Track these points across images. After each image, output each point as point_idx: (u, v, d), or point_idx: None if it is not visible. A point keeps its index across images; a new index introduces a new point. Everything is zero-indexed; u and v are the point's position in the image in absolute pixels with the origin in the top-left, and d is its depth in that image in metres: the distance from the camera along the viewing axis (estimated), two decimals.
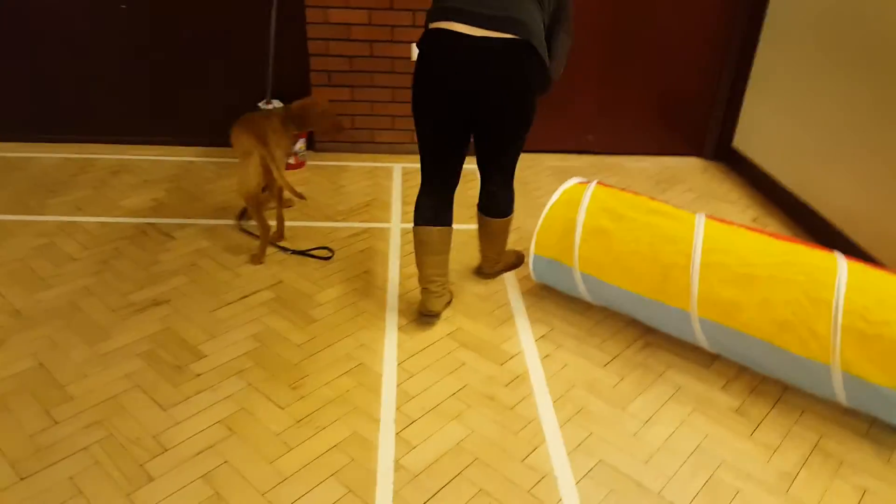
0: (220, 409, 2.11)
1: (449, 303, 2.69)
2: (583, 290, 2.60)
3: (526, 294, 2.82)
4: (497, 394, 2.27)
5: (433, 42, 2.18)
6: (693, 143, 4.49)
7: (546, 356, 2.46)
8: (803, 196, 3.50)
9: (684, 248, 2.26)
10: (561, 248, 2.54)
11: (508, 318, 2.66)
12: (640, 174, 4.20)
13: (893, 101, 2.83)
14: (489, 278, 2.91)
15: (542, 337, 2.56)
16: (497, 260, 2.83)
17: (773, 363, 2.16)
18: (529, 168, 4.21)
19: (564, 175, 4.09)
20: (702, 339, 2.33)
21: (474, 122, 2.33)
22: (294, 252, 3.01)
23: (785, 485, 1.97)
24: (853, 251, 3.06)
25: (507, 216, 2.63)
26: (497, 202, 2.58)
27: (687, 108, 4.37)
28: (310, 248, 3.07)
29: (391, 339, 2.49)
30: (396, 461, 1.96)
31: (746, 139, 4.15)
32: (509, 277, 2.95)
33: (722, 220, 2.35)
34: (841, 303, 1.98)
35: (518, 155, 2.49)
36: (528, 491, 1.90)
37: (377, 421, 2.11)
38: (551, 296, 2.81)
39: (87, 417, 2.06)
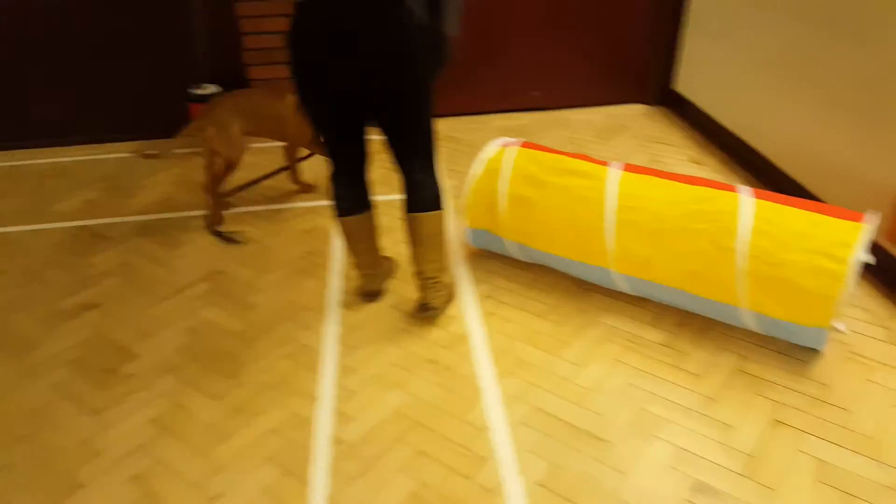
0: (152, 408, 2.10)
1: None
2: (517, 255, 2.66)
3: (469, 257, 2.81)
4: (438, 356, 2.27)
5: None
6: (637, 89, 4.47)
7: (489, 314, 2.46)
8: (739, 133, 3.51)
9: (599, 209, 2.31)
10: (489, 218, 2.58)
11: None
12: (585, 126, 4.19)
13: (826, 34, 2.81)
14: (434, 314, 2.42)
15: (486, 297, 2.56)
16: (438, 282, 2.35)
17: (691, 306, 2.29)
18: (478, 131, 4.18)
19: (512, 135, 4.07)
20: (626, 289, 2.44)
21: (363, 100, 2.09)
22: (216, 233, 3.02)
23: (709, 409, 2.02)
24: (789, 185, 3.07)
25: (433, 209, 2.23)
26: (420, 192, 2.21)
27: (628, 54, 4.34)
28: (228, 231, 3.04)
29: (333, 317, 2.47)
30: (335, 436, 1.96)
31: (687, 81, 4.14)
32: (451, 242, 2.93)
33: (636, 170, 2.35)
34: (744, 248, 2.04)
35: (430, 133, 2.17)
36: (465, 446, 1.91)
37: (315, 399, 2.10)
38: (493, 256, 2.80)
39: (13, 433, 2.03)
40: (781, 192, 3.00)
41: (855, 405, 2.00)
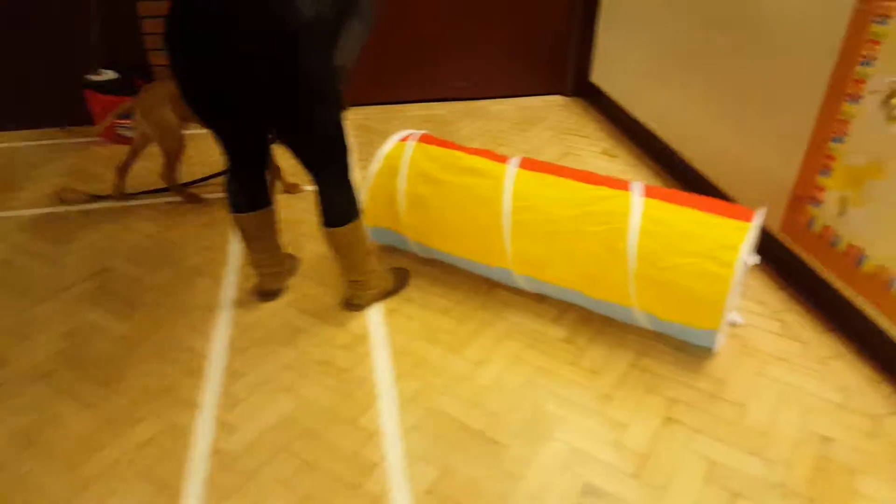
0: (19, 420, 1.94)
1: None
2: (421, 253, 2.59)
3: (377, 250, 2.72)
4: (335, 358, 2.18)
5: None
6: (555, 81, 4.46)
7: (392, 312, 2.38)
8: (650, 125, 3.52)
9: (495, 208, 2.24)
10: (390, 216, 2.49)
11: None
12: (503, 116, 4.15)
13: (722, 30, 2.83)
14: (359, 309, 2.39)
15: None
16: (364, 283, 2.32)
17: (589, 305, 2.27)
18: (393, 120, 4.08)
19: (429, 125, 3.99)
20: (528, 288, 2.40)
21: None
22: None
23: (605, 407, 2.00)
24: (695, 178, 3.09)
25: (347, 222, 2.12)
26: (331, 205, 2.10)
27: (547, 46, 4.32)
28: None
29: (225, 318, 2.35)
30: (215, 447, 1.85)
31: (602, 73, 4.14)
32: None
33: (533, 167, 2.29)
34: (633, 251, 2.01)
35: (333, 141, 1.99)
36: (355, 452, 1.83)
37: (197, 407, 1.98)
38: (400, 251, 2.71)
39: None
40: (689, 185, 3.02)
41: (748, 400, 2.01)
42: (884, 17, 1.92)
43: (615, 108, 3.92)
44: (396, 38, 4.11)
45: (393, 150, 2.48)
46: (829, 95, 2.14)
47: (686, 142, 3.15)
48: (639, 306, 2.10)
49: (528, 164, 2.31)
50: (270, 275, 2.38)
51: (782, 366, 2.13)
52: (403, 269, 2.55)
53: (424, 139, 2.50)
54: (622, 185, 2.16)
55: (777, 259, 2.54)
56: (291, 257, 2.56)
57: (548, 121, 4.08)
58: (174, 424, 1.93)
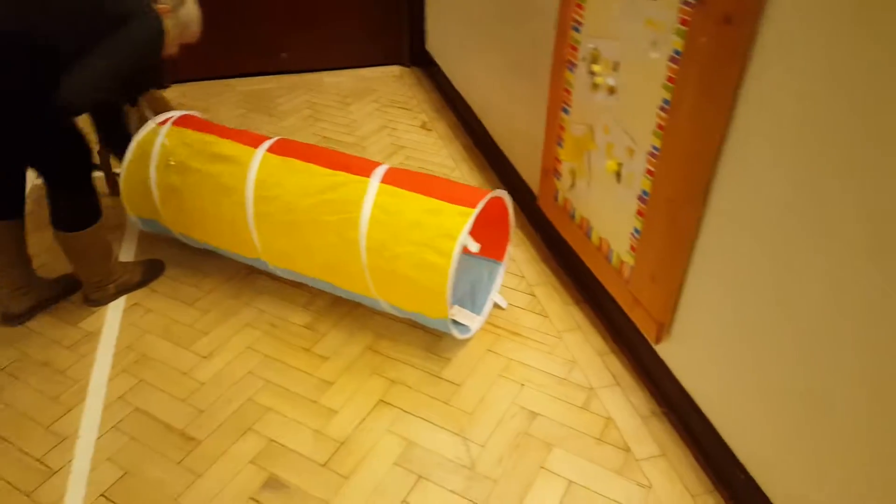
0: None
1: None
2: (188, 242, 2.44)
3: (143, 236, 2.59)
4: (55, 358, 2.06)
5: None
6: (394, 51, 4.34)
7: (134, 305, 2.26)
8: (463, 93, 3.44)
9: (239, 199, 2.11)
10: (148, 207, 2.34)
11: None
12: (333, 89, 4.02)
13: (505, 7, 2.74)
14: (98, 305, 2.27)
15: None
16: (102, 282, 2.23)
17: (339, 294, 2.18)
18: (218, 95, 3.90)
19: (254, 101, 3.84)
20: (286, 276, 2.28)
21: None
22: None
23: (322, 395, 1.94)
24: (492, 148, 3.02)
25: (79, 228, 2.06)
26: (60, 209, 2.04)
27: (383, 15, 4.18)
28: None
29: None
30: None
31: (433, 42, 4.04)
32: (125, 216, 2.68)
33: (285, 150, 2.14)
34: (363, 240, 1.92)
35: (68, 155, 1.98)
36: (40, 459, 1.73)
37: None
38: (172, 238, 2.57)
39: None
40: (492, 158, 2.97)
41: (467, 379, 1.98)
42: None
43: (443, 78, 3.83)
44: (219, 5, 3.90)
45: (146, 137, 2.32)
46: (555, 63, 2.09)
47: (487, 113, 3.08)
48: (378, 296, 2.02)
49: (279, 148, 2.16)
50: (16, 295, 2.18)
51: (515, 341, 2.11)
52: (157, 260, 2.42)
53: (182, 122, 2.35)
54: (365, 170, 2.03)
55: (541, 231, 2.51)
56: (66, 279, 2.31)
57: (377, 93, 3.97)
58: None
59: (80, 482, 1.69)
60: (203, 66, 4.08)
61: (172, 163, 2.20)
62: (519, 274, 2.41)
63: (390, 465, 1.72)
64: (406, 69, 4.31)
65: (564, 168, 2.16)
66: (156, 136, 2.30)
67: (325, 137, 3.41)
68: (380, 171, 2.01)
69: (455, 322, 2.09)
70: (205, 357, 2.07)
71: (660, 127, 1.57)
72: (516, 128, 2.68)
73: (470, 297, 2.21)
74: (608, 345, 2.09)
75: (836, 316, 1.17)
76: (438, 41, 3.89)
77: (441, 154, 3.24)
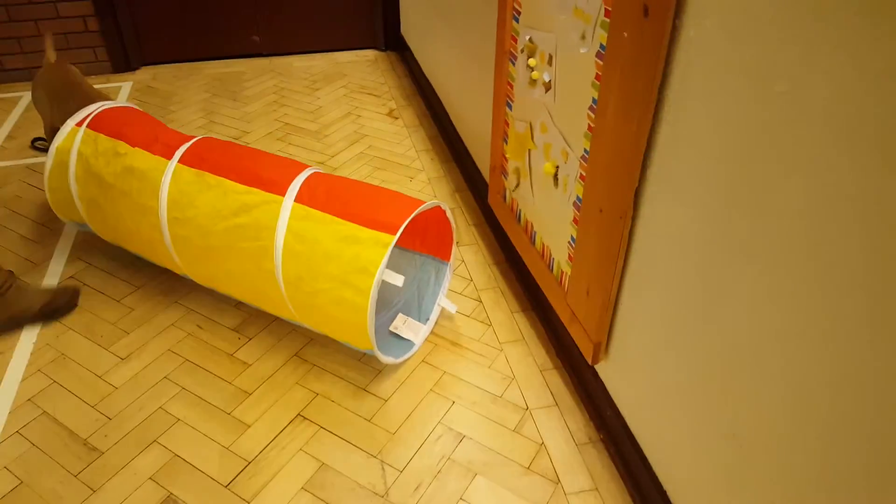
0: None
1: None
2: None
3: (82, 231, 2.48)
4: None
5: None
6: (369, 35, 4.18)
7: None
8: (431, 81, 3.28)
9: (155, 220, 1.96)
10: (78, 215, 2.21)
11: (45, 260, 2.32)
12: (303, 73, 3.87)
13: None
14: None
15: (69, 277, 2.24)
16: None
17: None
18: (185, 78, 3.77)
19: (221, 85, 3.70)
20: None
21: None
22: None
23: (237, 405, 1.82)
24: (455, 138, 2.87)
25: None
26: None
27: None
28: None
29: None
30: None
31: (407, 27, 3.87)
32: None
33: (198, 160, 1.94)
34: (279, 274, 1.78)
35: None
36: None
37: None
38: None
39: None
40: (453, 148, 2.82)
41: (395, 393, 1.85)
42: None
43: (416, 64, 3.67)
44: None
45: (64, 142, 2.15)
46: (498, 54, 1.93)
47: (450, 102, 2.93)
48: (303, 323, 1.89)
49: (192, 157, 1.96)
50: None
51: (454, 352, 1.98)
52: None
53: (96, 123, 2.13)
54: (280, 185, 1.83)
55: (495, 230, 2.37)
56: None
57: (348, 77, 3.81)
58: None
59: None
60: (173, 49, 3.95)
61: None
62: (467, 277, 2.27)
63: (297, 489, 1.61)
64: (381, 54, 4.16)
65: (510, 166, 2.02)
66: (72, 142, 2.13)
67: (286, 124, 3.27)
68: (296, 186, 1.82)
69: (398, 336, 1.97)
70: (122, 359, 1.95)
71: (590, 129, 1.43)
72: (472, 119, 2.53)
73: (416, 301, 2.08)
74: (552, 360, 1.95)
75: (760, 344, 1.03)
76: (410, 26, 3.72)
77: (404, 144, 3.09)
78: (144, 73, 3.86)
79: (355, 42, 4.18)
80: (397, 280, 1.82)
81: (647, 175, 1.29)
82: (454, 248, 2.08)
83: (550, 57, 1.58)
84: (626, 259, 1.42)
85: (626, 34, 1.19)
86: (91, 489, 1.60)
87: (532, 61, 1.68)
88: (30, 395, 1.84)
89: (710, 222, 1.11)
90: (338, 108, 3.45)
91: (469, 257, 2.36)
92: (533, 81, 1.71)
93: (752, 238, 1.00)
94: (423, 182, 2.79)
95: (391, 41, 4.10)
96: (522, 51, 1.76)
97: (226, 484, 1.61)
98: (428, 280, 2.11)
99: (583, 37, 1.39)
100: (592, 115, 1.40)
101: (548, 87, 1.62)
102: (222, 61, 4.04)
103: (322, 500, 1.58)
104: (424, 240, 2.11)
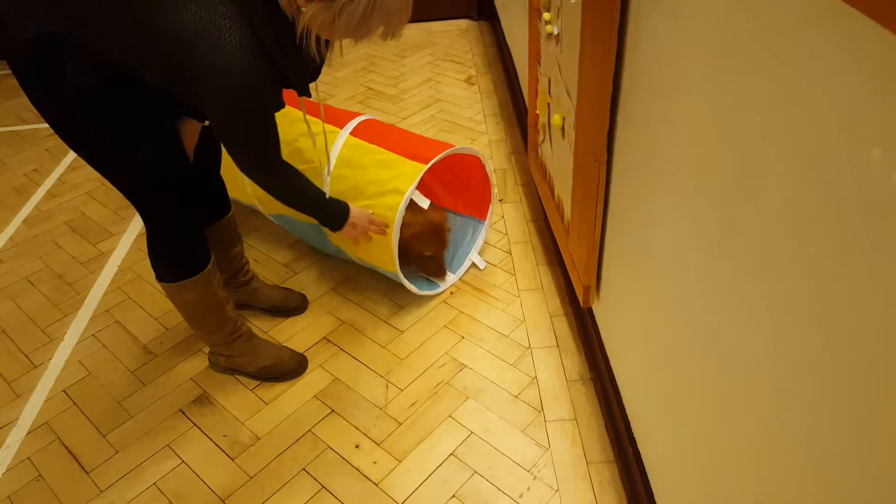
0: None
1: None
2: None
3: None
4: (68, 272, 2.32)
5: None
6: (461, 4, 4.30)
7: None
8: (511, 48, 3.36)
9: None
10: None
11: None
12: (395, 42, 4.06)
13: None
14: (213, 368, 1.93)
15: None
16: (214, 346, 1.85)
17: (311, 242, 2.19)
18: None
19: None
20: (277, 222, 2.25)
21: None
22: None
23: (271, 325, 2.04)
24: (520, 99, 2.94)
25: (159, 280, 1.65)
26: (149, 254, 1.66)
27: None
28: None
29: None
30: None
31: None
32: None
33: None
34: (327, 189, 1.84)
35: (135, 200, 1.52)
36: (27, 355, 1.99)
37: None
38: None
39: None
40: (518, 113, 2.90)
41: (412, 326, 2.00)
42: None
43: (502, 31, 3.76)
44: None
45: None
46: (531, 11, 2.01)
47: (521, 65, 3.00)
48: (343, 249, 2.06)
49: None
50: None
51: (474, 296, 2.10)
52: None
53: None
54: (336, 120, 2.05)
55: (538, 191, 2.44)
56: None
57: (435, 46, 3.97)
58: None
59: (51, 378, 1.92)
60: None
61: None
62: (503, 231, 2.37)
63: (310, 396, 1.81)
64: (473, 23, 4.27)
65: (540, 122, 2.10)
66: None
67: (368, 89, 3.49)
68: (353, 124, 2.03)
69: (428, 280, 2.12)
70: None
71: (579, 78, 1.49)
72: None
73: (450, 256, 2.21)
74: (563, 308, 2.03)
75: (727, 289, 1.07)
76: None
77: (474, 108, 3.21)
78: None
79: (449, 12, 4.32)
80: (424, 203, 1.96)
81: (617, 119, 1.34)
82: (492, 205, 2.21)
83: (558, 9, 1.66)
84: (606, 202, 1.48)
85: None
86: (142, 384, 1.88)
87: (546, 15, 1.75)
88: (108, 306, 2.17)
89: (678, 169, 1.07)
90: (420, 75, 3.61)
91: (510, 214, 2.45)
92: (549, 35, 1.78)
93: (715, 181, 1.04)
94: (482, 144, 2.90)
95: (485, 10, 4.20)
96: (543, 6, 1.84)
97: (251, 388, 1.84)
98: (463, 238, 2.24)
99: None
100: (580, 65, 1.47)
101: (557, 39, 1.70)
102: None
103: (329, 406, 1.77)
104: (466, 200, 2.25)
